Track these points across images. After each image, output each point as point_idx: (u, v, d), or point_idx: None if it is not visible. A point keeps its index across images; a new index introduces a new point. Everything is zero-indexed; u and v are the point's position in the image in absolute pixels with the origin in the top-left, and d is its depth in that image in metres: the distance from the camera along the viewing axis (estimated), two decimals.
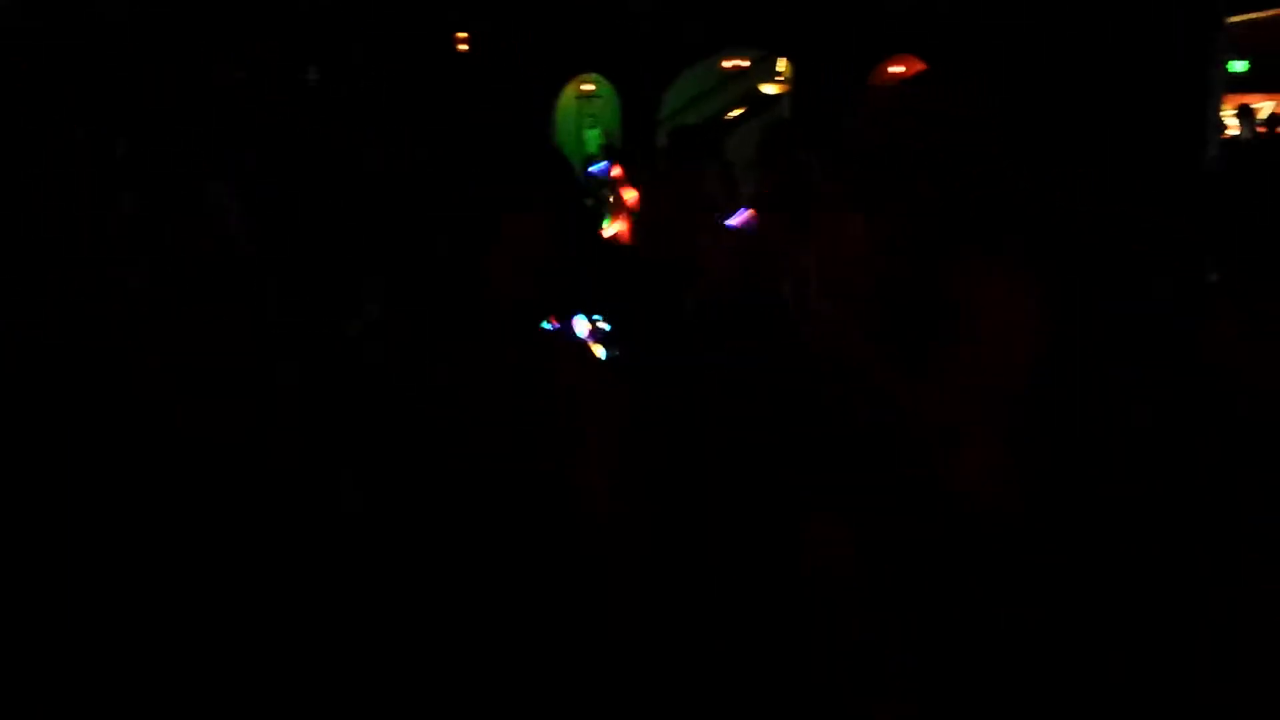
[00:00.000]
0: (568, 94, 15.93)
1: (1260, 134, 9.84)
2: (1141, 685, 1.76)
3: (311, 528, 2.20)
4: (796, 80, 15.21)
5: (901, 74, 14.64)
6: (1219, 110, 12.56)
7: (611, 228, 5.63)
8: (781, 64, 16.23)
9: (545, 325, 2.37)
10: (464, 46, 15.17)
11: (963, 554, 1.90)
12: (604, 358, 3.84)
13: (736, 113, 16.57)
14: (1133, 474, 1.88)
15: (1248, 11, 11.87)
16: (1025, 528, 1.87)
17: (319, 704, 2.07)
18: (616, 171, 6.00)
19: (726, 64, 16.54)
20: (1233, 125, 12.02)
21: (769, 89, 16.69)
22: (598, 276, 3.91)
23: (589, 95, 16.22)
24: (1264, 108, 12.88)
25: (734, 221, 3.71)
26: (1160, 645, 1.76)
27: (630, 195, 5.59)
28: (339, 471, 2.15)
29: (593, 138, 15.74)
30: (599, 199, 5.81)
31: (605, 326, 4.10)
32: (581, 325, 4.28)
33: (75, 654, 2.26)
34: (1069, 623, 1.85)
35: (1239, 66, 12.85)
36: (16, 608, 2.30)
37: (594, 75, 15.75)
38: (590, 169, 5.96)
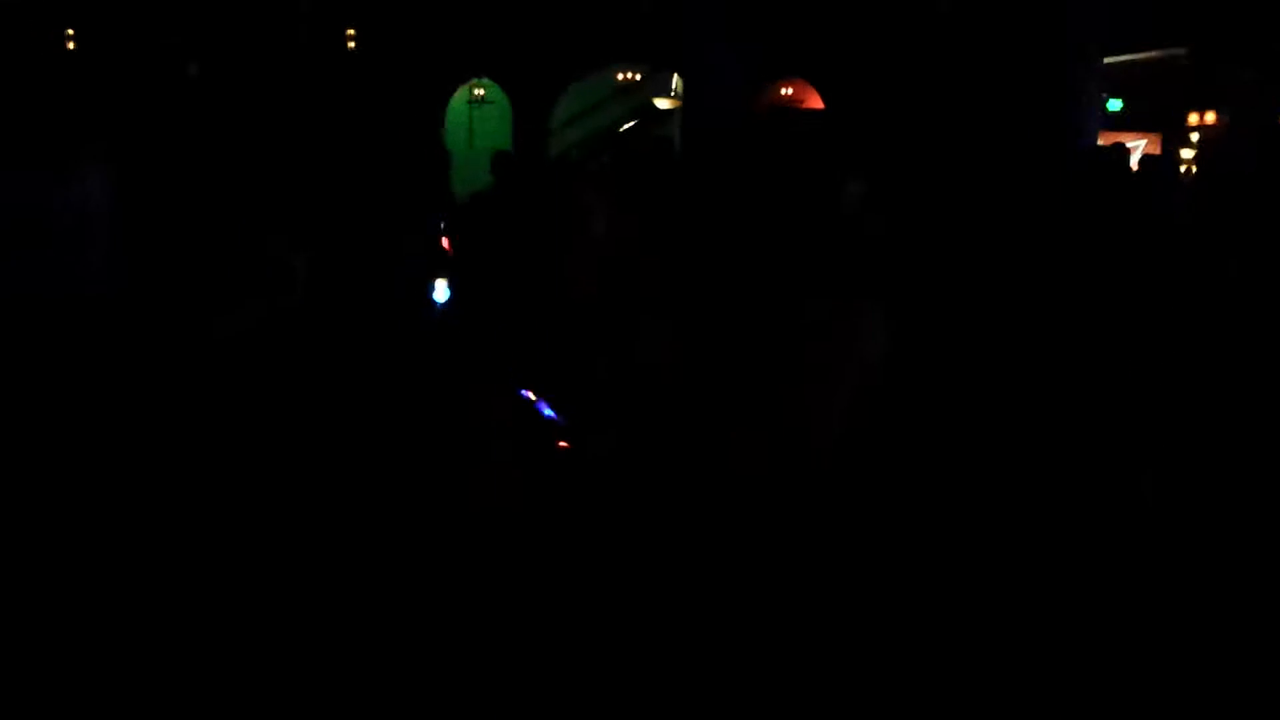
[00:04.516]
0: (460, 98, 15.82)
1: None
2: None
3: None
4: (688, 96, 15.29)
5: (790, 96, 15.18)
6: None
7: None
8: (675, 80, 16.45)
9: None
10: (353, 44, 14.87)
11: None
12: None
13: (628, 125, 16.71)
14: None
15: (1122, 53, 12.17)
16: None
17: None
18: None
19: (620, 77, 16.52)
20: None
21: (662, 103, 16.80)
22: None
23: (481, 100, 16.05)
24: (1137, 146, 13.25)
25: None
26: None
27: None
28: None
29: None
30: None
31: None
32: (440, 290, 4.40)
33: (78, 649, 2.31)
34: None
35: (1114, 106, 13.21)
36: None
37: (485, 80, 15.70)
38: None
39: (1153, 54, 12.06)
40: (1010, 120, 12.01)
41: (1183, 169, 11.66)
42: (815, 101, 15.05)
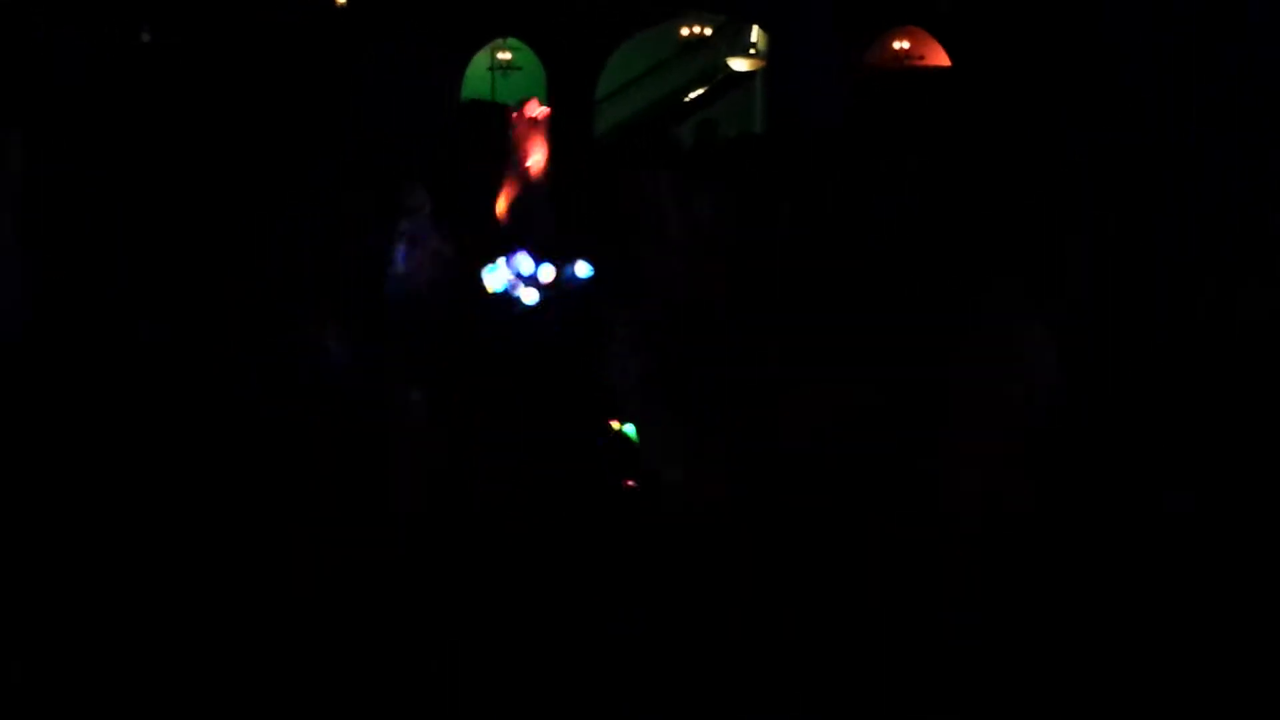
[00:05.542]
0: (480, 64, 14.92)
1: None
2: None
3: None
4: (773, 54, 14.50)
5: (906, 50, 14.55)
6: None
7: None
8: (755, 33, 15.77)
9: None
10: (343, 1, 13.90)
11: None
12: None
13: (697, 93, 16.17)
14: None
15: None
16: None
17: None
18: None
19: (684, 31, 15.97)
20: None
21: (739, 64, 16.07)
22: None
23: (506, 67, 15.15)
24: None
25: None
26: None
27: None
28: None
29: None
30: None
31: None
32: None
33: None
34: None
35: None
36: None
37: (513, 41, 14.84)
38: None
39: None
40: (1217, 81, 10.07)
41: None
42: (938, 57, 14.27)
